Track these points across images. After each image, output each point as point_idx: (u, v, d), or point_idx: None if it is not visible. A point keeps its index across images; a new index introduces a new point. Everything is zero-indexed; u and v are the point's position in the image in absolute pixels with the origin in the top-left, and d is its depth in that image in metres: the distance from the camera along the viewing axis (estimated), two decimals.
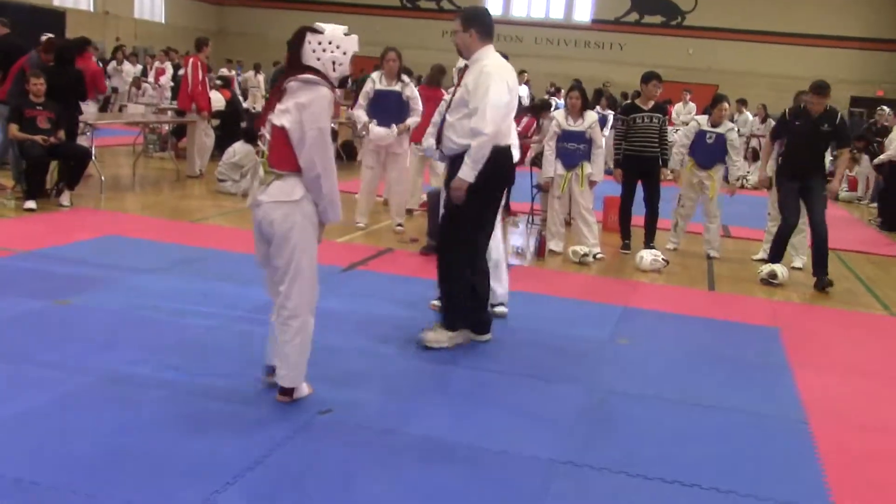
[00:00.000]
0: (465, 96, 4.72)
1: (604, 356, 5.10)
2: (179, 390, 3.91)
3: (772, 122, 18.51)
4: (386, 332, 5.11)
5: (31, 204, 7.92)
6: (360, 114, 8.32)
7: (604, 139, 16.80)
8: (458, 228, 4.86)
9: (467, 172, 4.65)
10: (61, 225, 7.45)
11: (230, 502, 3.01)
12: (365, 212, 8.56)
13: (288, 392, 3.89)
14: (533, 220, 9.61)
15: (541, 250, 7.95)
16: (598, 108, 17.49)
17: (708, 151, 8.50)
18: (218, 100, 12.36)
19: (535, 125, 10.16)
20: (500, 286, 5.56)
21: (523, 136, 9.93)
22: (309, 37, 3.69)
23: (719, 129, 8.44)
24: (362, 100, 8.34)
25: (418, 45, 22.57)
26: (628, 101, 9.01)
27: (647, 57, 27.05)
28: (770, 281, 7.49)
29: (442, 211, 5.10)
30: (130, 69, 18.88)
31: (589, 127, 7.82)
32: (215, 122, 12.04)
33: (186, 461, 3.29)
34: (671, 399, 4.42)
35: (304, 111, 3.61)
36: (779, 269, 7.56)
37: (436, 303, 5.37)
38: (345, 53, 3.73)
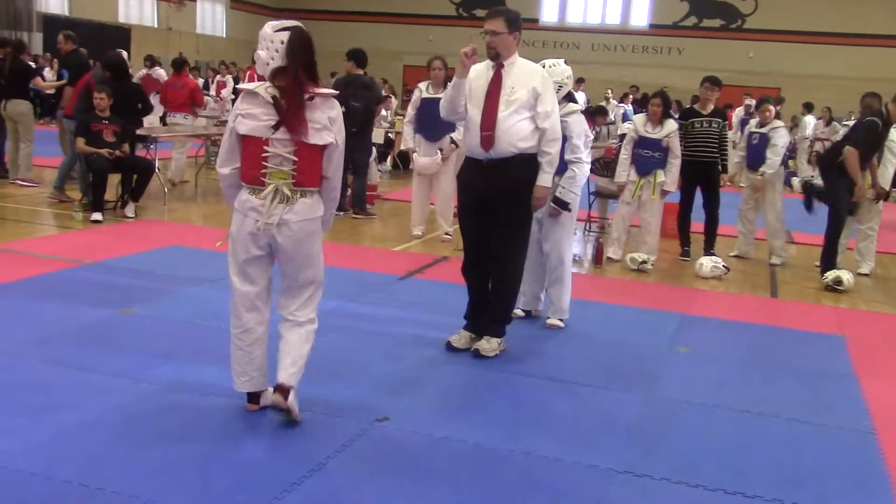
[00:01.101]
0: (530, 99, 4.67)
1: (663, 364, 5.03)
2: (239, 400, 3.96)
3: (836, 125, 18.18)
4: (441, 339, 5.11)
5: (97, 216, 8.12)
6: (407, 133, 8.44)
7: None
8: (523, 234, 4.91)
9: (547, 179, 4.77)
10: (126, 236, 7.63)
11: None
12: (420, 221, 8.60)
13: (286, 392, 3.67)
14: (590, 227, 9.54)
15: (598, 257, 7.88)
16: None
17: (753, 152, 8.41)
18: None
19: (591, 130, 10.08)
20: (559, 299, 5.61)
21: None
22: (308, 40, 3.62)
23: (764, 130, 8.31)
24: (411, 109, 8.46)
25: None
26: (688, 106, 8.83)
27: (707, 61, 26.68)
28: (835, 287, 7.32)
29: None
30: None
31: (667, 135, 7.69)
32: None
33: (245, 470, 3.33)
34: (732, 408, 4.34)
35: (335, 125, 3.61)
36: (844, 275, 7.38)
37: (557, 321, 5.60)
38: None
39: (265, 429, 3.72)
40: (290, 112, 3.49)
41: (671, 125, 7.74)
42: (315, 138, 3.54)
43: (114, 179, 8.72)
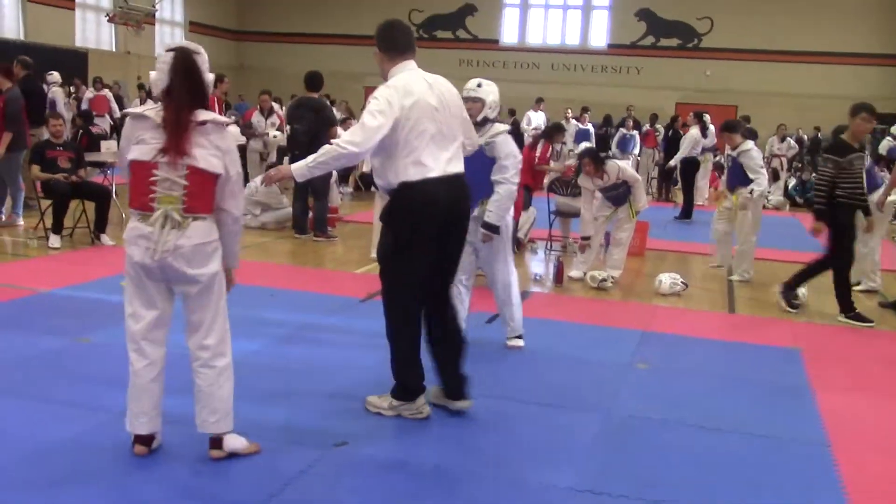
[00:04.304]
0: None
1: (622, 381, 5.07)
2: (193, 429, 3.91)
3: (791, 142, 18.48)
4: None
5: (55, 242, 8.03)
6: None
7: (633, 158, 16.77)
8: (388, 286, 4.24)
9: (300, 166, 4.03)
10: (83, 263, 7.54)
11: None
12: None
13: (219, 443, 3.59)
14: (552, 246, 9.59)
15: (559, 277, 7.92)
16: (622, 129, 17.57)
17: (729, 175, 8.68)
18: (237, 135, 12.49)
19: (550, 150, 10.17)
20: (513, 318, 5.58)
21: (540, 162, 9.95)
22: (197, 59, 3.46)
23: (734, 153, 8.51)
24: None
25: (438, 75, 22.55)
26: (839, 138, 7.18)
27: (665, 80, 27.08)
28: (791, 302, 7.41)
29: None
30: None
31: (617, 178, 7.81)
32: None
33: (203, 497, 3.30)
34: (690, 424, 4.38)
35: (227, 155, 3.47)
36: (800, 290, 7.48)
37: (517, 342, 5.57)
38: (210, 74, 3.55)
39: (224, 459, 3.66)
40: (170, 134, 3.35)
41: (613, 168, 7.81)
42: (205, 163, 3.38)
43: (69, 207, 8.60)
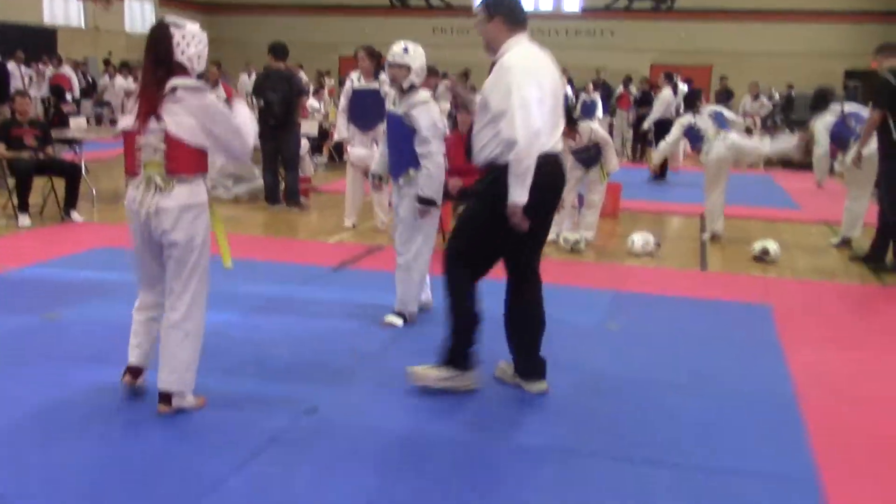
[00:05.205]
0: (486, 99, 3.97)
1: (593, 342, 5.09)
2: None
3: (764, 101, 18.52)
4: (372, 330, 5.11)
5: (24, 220, 7.95)
6: (340, 125, 8.47)
7: (598, 122, 16.72)
8: (462, 253, 4.13)
9: (516, 193, 3.80)
10: (52, 240, 7.47)
11: None
12: (353, 212, 8.57)
13: (168, 399, 3.74)
14: None
15: None
16: (582, 94, 17.48)
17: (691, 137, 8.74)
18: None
19: None
20: (403, 293, 5.28)
21: None
22: (173, 31, 3.61)
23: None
24: (343, 99, 8.50)
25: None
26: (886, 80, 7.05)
27: (639, 42, 26.98)
28: (762, 258, 7.48)
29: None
30: (122, 82, 18.92)
31: (590, 139, 7.74)
32: None
33: (173, 467, 3.30)
34: (659, 382, 4.42)
35: (205, 116, 3.60)
36: (771, 245, 7.54)
37: (392, 319, 5.23)
38: (204, 47, 3.70)
39: (192, 427, 3.67)
40: (139, 103, 3.63)
41: (585, 128, 7.76)
42: (175, 128, 3.57)
43: (39, 185, 8.51)
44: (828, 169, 8.77)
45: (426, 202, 5.02)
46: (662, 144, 9.00)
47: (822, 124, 8.33)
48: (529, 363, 4.25)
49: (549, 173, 3.92)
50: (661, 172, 13.60)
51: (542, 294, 4.30)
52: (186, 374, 3.74)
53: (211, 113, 3.63)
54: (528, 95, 3.79)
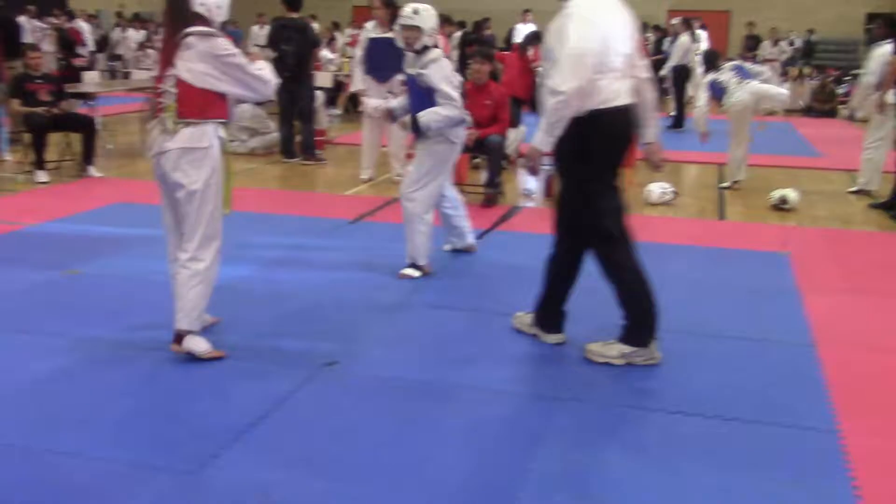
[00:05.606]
0: (550, 48, 3.83)
1: (609, 292, 5.07)
2: (186, 357, 3.95)
3: (784, 46, 18.22)
4: (389, 282, 5.13)
5: (42, 176, 7.99)
6: (356, 75, 8.38)
7: None
8: (577, 215, 4.03)
9: (539, 138, 3.80)
10: (70, 196, 7.50)
11: (237, 456, 3.06)
12: (370, 164, 8.54)
13: (179, 339, 3.85)
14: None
15: (549, 190, 7.89)
16: None
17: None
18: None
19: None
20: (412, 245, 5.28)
21: (535, 61, 9.75)
22: None
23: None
24: (358, 49, 8.42)
25: None
26: None
27: None
28: (781, 206, 7.42)
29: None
30: (135, 35, 18.82)
31: None
32: None
33: (193, 419, 3.35)
34: (677, 330, 4.40)
35: (216, 59, 3.70)
36: (790, 193, 7.48)
37: (408, 271, 5.22)
38: None
39: (212, 380, 3.71)
40: (162, 50, 3.84)
41: None
42: (185, 73, 3.70)
43: (54, 141, 8.53)
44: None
45: (414, 124, 5.05)
46: (697, 112, 8.83)
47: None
48: (553, 314, 4.24)
49: (618, 125, 3.85)
50: (678, 120, 13.47)
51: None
52: (193, 313, 3.84)
53: (221, 55, 3.71)
54: (582, 46, 3.67)
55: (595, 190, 3.93)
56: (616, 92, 3.80)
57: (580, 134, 3.76)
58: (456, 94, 5.04)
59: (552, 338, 4.23)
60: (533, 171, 3.99)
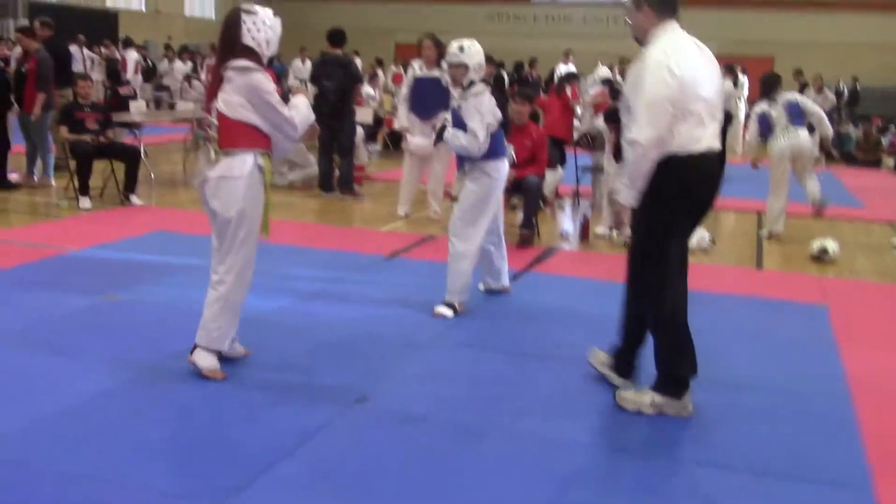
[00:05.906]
0: (627, 97, 3.81)
1: (646, 339, 5.04)
2: (221, 384, 3.99)
3: (828, 94, 18.09)
4: (423, 319, 5.14)
5: (85, 203, 8.14)
6: (401, 112, 8.47)
7: None
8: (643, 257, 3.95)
9: (625, 195, 3.78)
10: (112, 223, 7.64)
11: (265, 489, 3.07)
12: (407, 200, 8.59)
13: (194, 349, 4.06)
14: (578, 202, 9.52)
15: (584, 233, 7.88)
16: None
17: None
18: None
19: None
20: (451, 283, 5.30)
21: (573, 99, 9.79)
22: (244, 18, 3.90)
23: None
24: (404, 88, 8.52)
25: (468, 31, 22.31)
26: None
27: (700, 30, 26.44)
28: (821, 257, 7.33)
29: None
30: (181, 67, 19.20)
31: None
32: None
33: (224, 449, 3.37)
34: (713, 380, 4.35)
35: (252, 93, 3.87)
36: (830, 244, 7.39)
37: (442, 310, 5.23)
38: (275, 33, 3.98)
39: (246, 412, 3.73)
40: (210, 80, 4.10)
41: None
42: (223, 105, 3.91)
43: (99, 168, 8.70)
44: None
45: (439, 132, 5.31)
46: (747, 146, 8.69)
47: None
48: (629, 362, 4.17)
49: (696, 171, 3.72)
50: None
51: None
52: (208, 327, 4.02)
53: (255, 90, 3.88)
54: (658, 94, 3.60)
55: (666, 234, 3.82)
56: (695, 137, 3.69)
57: (656, 177, 3.70)
58: (481, 133, 5.12)
59: (620, 382, 4.16)
60: (618, 226, 4.00)
